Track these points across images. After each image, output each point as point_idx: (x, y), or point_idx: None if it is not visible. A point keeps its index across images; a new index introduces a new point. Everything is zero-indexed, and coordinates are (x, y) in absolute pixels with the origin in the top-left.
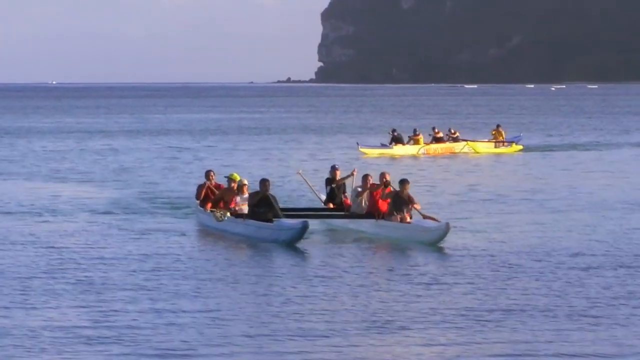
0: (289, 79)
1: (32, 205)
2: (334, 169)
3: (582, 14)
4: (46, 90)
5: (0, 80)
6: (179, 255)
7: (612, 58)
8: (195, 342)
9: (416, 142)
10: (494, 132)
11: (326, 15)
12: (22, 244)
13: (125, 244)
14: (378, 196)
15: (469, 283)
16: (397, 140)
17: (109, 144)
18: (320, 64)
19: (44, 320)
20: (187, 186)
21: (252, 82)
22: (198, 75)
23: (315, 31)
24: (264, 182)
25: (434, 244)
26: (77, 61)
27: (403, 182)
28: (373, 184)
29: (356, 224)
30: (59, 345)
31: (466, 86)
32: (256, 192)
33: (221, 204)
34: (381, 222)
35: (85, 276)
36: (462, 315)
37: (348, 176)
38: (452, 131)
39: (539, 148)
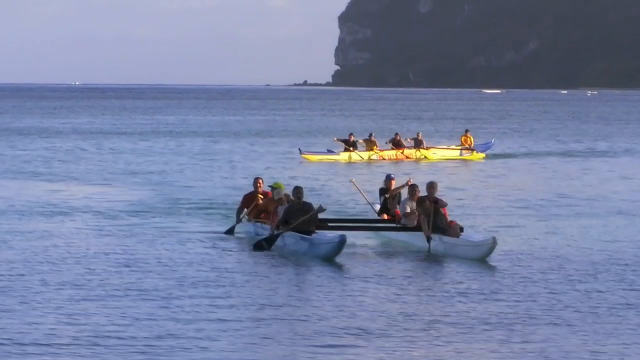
0: (305, 82)
1: (45, 205)
2: (389, 178)
3: (599, 19)
4: (69, 90)
5: (14, 80)
6: (204, 261)
7: (629, 64)
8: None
9: (370, 147)
10: (462, 138)
11: (343, 19)
12: (37, 244)
13: (151, 248)
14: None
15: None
16: (351, 145)
17: (125, 145)
18: (337, 67)
19: (67, 324)
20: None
21: (268, 85)
22: (214, 78)
23: (332, 34)
24: (297, 190)
25: (482, 259)
26: (98, 63)
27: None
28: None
29: (407, 237)
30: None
31: (486, 91)
32: (291, 203)
33: (263, 215)
34: (436, 237)
35: (106, 280)
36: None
37: (403, 186)
38: (418, 136)
39: (503, 155)
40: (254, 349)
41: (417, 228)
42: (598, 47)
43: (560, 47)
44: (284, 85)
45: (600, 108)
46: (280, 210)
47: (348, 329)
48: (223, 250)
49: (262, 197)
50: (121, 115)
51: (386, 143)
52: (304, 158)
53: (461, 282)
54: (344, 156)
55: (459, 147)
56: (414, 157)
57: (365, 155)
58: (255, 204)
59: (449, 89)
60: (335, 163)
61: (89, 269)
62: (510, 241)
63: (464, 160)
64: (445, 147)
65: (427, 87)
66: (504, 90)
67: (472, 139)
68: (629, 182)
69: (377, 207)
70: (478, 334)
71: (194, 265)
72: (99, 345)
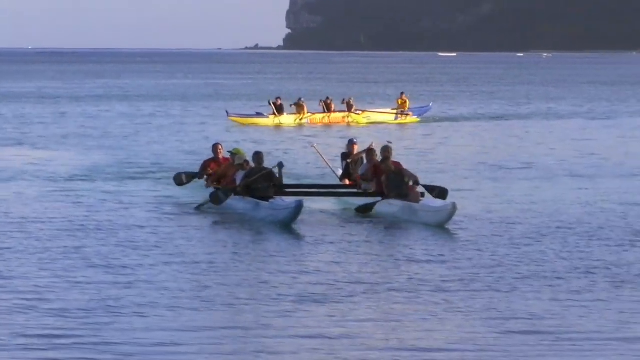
0: (257, 45)
1: None
2: (351, 142)
3: None
4: (25, 54)
5: None
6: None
7: (585, 26)
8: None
9: (299, 111)
10: (399, 101)
11: None
12: None
13: (99, 213)
14: (380, 172)
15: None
16: (278, 109)
17: (75, 109)
18: (289, 30)
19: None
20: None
21: (220, 49)
22: (165, 42)
23: None
24: (257, 155)
25: (442, 225)
26: (53, 27)
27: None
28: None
29: (367, 202)
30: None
31: (442, 54)
32: (251, 168)
33: (223, 181)
34: (391, 201)
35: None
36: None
37: (364, 151)
38: (349, 100)
39: (435, 119)
40: (195, 315)
41: (378, 193)
42: (551, 9)
43: (513, 10)
44: (236, 49)
45: (557, 71)
46: (239, 176)
47: (290, 295)
48: (168, 214)
49: (221, 163)
50: (72, 80)
51: (319, 106)
52: (232, 120)
53: (409, 247)
54: (272, 119)
55: (394, 111)
56: (345, 121)
57: (294, 119)
58: (214, 170)
59: (402, 52)
60: (263, 126)
61: (28, 233)
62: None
63: (399, 124)
64: (380, 110)
65: (378, 51)
66: (459, 53)
67: (408, 102)
68: (569, 144)
69: (340, 172)
70: (421, 297)
71: (136, 230)
72: (37, 310)
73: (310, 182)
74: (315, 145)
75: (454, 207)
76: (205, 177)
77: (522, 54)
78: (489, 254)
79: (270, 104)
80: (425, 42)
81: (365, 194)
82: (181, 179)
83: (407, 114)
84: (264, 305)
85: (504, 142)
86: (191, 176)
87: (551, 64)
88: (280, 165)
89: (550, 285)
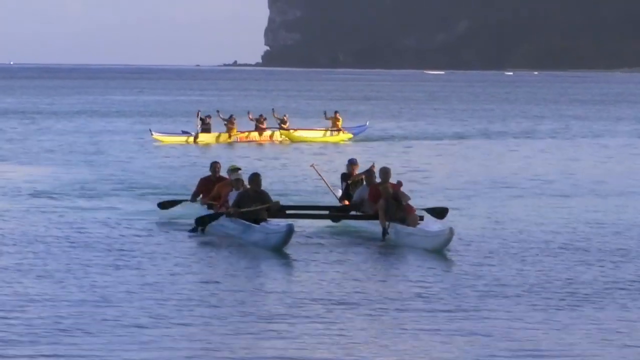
0: (235, 62)
1: None
2: (351, 163)
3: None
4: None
5: None
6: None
7: (556, 45)
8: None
9: (230, 129)
10: (332, 119)
11: None
12: None
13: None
14: (379, 194)
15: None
16: (205, 128)
17: (51, 125)
18: (267, 47)
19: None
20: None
21: (198, 65)
22: (143, 59)
23: (262, 15)
24: (255, 178)
25: (439, 250)
26: (31, 42)
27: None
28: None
29: (366, 225)
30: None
31: (429, 72)
32: (246, 190)
33: (217, 201)
34: (391, 225)
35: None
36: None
37: (365, 172)
38: (282, 117)
39: (371, 138)
40: (175, 334)
41: (372, 216)
42: (528, 27)
43: (490, 27)
44: (214, 66)
45: (551, 89)
46: (232, 196)
47: (280, 315)
48: (149, 232)
49: (217, 182)
50: (48, 95)
51: (251, 122)
52: (156, 139)
53: (400, 267)
54: (200, 137)
55: (327, 129)
56: (276, 139)
57: (224, 136)
58: (207, 190)
59: (386, 70)
60: (188, 145)
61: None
62: None
63: (333, 142)
64: (312, 128)
65: (356, 68)
66: (447, 71)
67: (341, 120)
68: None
69: (339, 192)
70: (414, 317)
71: (122, 247)
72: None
73: (306, 203)
74: (314, 165)
75: (450, 232)
76: (201, 195)
77: (511, 72)
78: (479, 274)
79: (198, 116)
80: (406, 60)
81: (364, 216)
82: (165, 206)
83: (339, 131)
84: (250, 323)
85: (442, 161)
86: (175, 202)
87: (541, 83)
88: (277, 205)
89: (526, 303)
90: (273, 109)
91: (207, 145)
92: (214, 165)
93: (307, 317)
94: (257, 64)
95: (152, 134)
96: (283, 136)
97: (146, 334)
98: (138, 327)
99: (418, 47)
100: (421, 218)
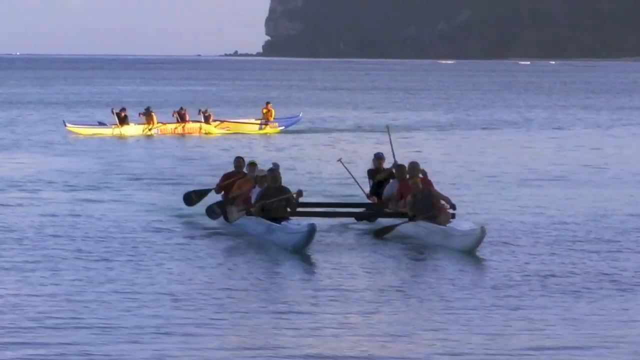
0: (236, 52)
1: None
2: (377, 157)
3: None
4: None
5: None
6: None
7: (560, 34)
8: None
9: (148, 121)
10: (264, 111)
11: None
12: None
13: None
14: (408, 190)
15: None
16: (121, 120)
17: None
18: (268, 37)
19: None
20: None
21: (199, 55)
22: (144, 49)
23: (263, 4)
24: (273, 173)
25: (469, 250)
26: (35, 33)
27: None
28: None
29: (393, 223)
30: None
31: (441, 62)
32: (267, 187)
33: (239, 198)
34: (420, 223)
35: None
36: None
37: (393, 166)
38: (204, 110)
39: (299, 130)
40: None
41: (400, 214)
42: (531, 17)
43: (492, 18)
44: (215, 56)
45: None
46: (254, 193)
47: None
48: (158, 225)
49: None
50: (52, 85)
51: (172, 117)
52: (70, 131)
53: (425, 267)
54: (113, 130)
55: (257, 121)
56: (197, 132)
57: (141, 129)
58: (233, 184)
59: (401, 60)
60: (105, 137)
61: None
62: None
63: (263, 134)
64: (242, 121)
65: (358, 58)
66: (457, 61)
67: (273, 111)
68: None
69: (367, 188)
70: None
71: (136, 244)
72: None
73: (334, 200)
74: (342, 159)
75: (482, 231)
76: (223, 191)
77: (527, 62)
78: (498, 267)
79: (112, 113)
80: (408, 50)
81: (395, 213)
82: (191, 199)
83: (267, 124)
84: (273, 321)
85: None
86: (203, 194)
87: (559, 72)
88: (300, 193)
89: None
90: (200, 109)
91: (122, 137)
92: (239, 160)
93: (329, 313)
94: (258, 54)
95: (65, 125)
96: (204, 130)
97: (162, 330)
98: (151, 326)
99: (420, 37)
100: (453, 216)
